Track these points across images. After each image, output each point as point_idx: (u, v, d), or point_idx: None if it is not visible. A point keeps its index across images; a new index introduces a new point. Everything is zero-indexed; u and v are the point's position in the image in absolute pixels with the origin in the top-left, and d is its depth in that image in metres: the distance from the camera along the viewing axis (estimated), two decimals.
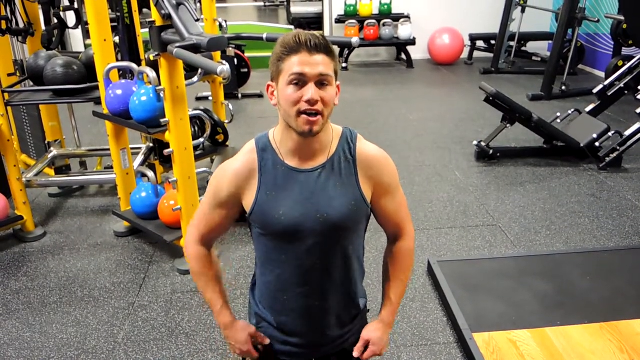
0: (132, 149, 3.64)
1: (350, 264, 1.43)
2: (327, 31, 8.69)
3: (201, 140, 3.57)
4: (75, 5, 3.87)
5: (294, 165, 1.34)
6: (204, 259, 1.49)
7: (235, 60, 6.55)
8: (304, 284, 1.41)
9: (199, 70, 3.20)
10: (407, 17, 8.25)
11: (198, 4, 4.76)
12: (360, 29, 8.19)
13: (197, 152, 3.73)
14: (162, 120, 2.90)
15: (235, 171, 1.36)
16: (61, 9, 3.70)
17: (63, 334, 2.70)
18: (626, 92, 5.01)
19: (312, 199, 1.33)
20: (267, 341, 1.51)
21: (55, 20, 3.70)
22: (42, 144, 4.31)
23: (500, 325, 2.58)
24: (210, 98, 4.39)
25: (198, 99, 6.51)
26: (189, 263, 1.53)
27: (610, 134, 4.57)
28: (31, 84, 3.75)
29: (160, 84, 2.86)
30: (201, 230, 1.46)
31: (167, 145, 3.01)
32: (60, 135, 4.29)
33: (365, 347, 1.52)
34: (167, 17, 2.67)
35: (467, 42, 8.39)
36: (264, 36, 3.35)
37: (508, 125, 4.70)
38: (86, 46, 7.14)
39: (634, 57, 5.12)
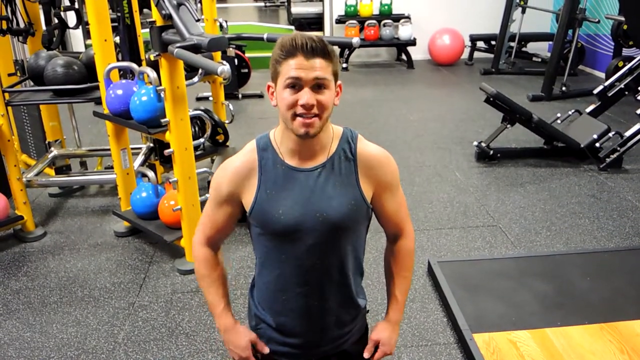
0: (132, 149, 3.64)
1: (350, 264, 1.43)
2: (327, 31, 8.70)
3: (201, 140, 3.57)
4: (76, 5, 3.87)
5: (294, 164, 1.35)
6: (209, 261, 1.49)
7: (236, 60, 6.55)
8: (304, 284, 1.41)
9: (200, 71, 3.20)
10: (408, 17, 8.26)
11: (198, 4, 4.77)
12: (361, 30, 8.19)
13: (198, 152, 3.73)
14: (162, 121, 2.91)
15: (235, 169, 1.37)
16: (62, 9, 3.70)
17: (63, 333, 2.70)
18: (626, 92, 5.01)
19: (311, 199, 1.33)
20: (267, 350, 1.50)
21: (56, 20, 3.70)
22: (42, 143, 4.32)
23: (501, 326, 2.58)
24: (211, 98, 4.39)
25: (198, 99, 6.51)
26: (195, 265, 1.53)
27: (610, 134, 4.57)
28: (32, 84, 3.76)
29: (160, 84, 2.86)
30: (206, 231, 1.47)
31: (167, 146, 3.01)
32: (60, 135, 4.29)
33: (375, 348, 1.53)
34: (168, 17, 2.67)
35: (468, 43, 8.39)
36: (265, 36, 3.35)
37: (508, 125, 4.70)
38: (87, 46, 7.14)
39: (634, 58, 5.12)
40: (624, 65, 5.39)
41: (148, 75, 2.95)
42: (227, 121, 4.27)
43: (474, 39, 8.36)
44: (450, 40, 8.20)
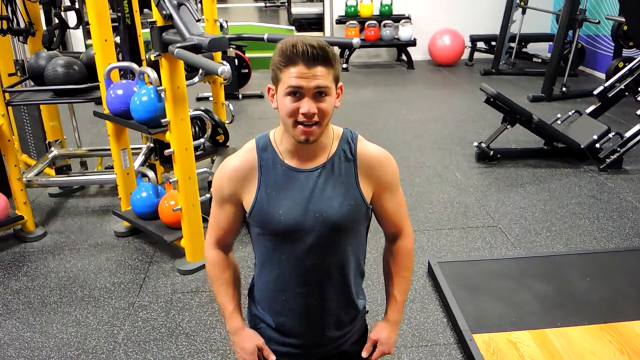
0: (132, 149, 3.64)
1: (349, 265, 1.43)
2: (327, 32, 8.70)
3: (202, 140, 3.57)
4: (76, 5, 3.87)
5: (294, 165, 1.35)
6: (219, 262, 1.49)
7: (236, 60, 6.56)
8: (303, 284, 1.41)
9: (200, 71, 3.20)
10: (408, 18, 8.26)
11: (199, 5, 4.77)
12: (361, 30, 8.20)
13: (198, 153, 3.73)
14: (162, 121, 2.91)
15: (234, 169, 1.37)
16: (62, 9, 3.70)
17: (63, 333, 2.70)
18: (627, 93, 5.01)
19: (311, 199, 1.33)
20: (273, 358, 1.49)
21: (56, 20, 3.71)
22: (42, 143, 4.32)
23: (501, 326, 2.58)
24: (211, 98, 4.39)
25: (199, 99, 6.51)
26: (206, 267, 1.53)
27: (610, 135, 4.57)
28: (32, 83, 3.76)
29: (161, 84, 2.87)
30: (214, 233, 1.47)
31: (167, 146, 3.01)
32: (60, 135, 4.29)
33: (374, 347, 1.53)
34: (168, 17, 2.67)
35: (468, 43, 8.39)
36: (265, 37, 3.35)
37: (508, 126, 4.70)
38: (87, 46, 7.14)
39: (634, 59, 5.12)
40: (624, 66, 5.39)
41: (148, 76, 2.96)
42: (227, 121, 4.27)
43: (474, 39, 8.36)
44: (450, 41, 8.20)
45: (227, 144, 4.27)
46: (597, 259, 3.17)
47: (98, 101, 3.43)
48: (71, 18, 4.09)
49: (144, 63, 3.56)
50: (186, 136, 2.97)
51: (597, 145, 4.56)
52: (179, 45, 2.50)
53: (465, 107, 6.27)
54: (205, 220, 3.20)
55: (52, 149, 4.23)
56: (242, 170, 1.36)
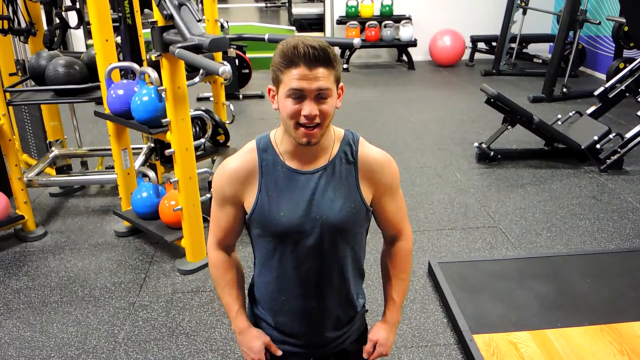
0: (133, 149, 3.64)
1: (349, 266, 1.43)
2: (328, 32, 8.71)
3: (202, 140, 3.57)
4: (77, 5, 3.87)
5: (295, 166, 1.34)
6: (221, 263, 1.49)
7: (237, 60, 6.56)
8: (303, 285, 1.41)
9: (201, 71, 3.20)
10: (409, 18, 8.26)
11: (200, 5, 4.78)
12: (362, 30, 8.20)
13: (198, 153, 3.74)
14: (163, 121, 2.91)
15: (234, 170, 1.36)
16: (63, 9, 3.70)
17: (63, 333, 2.71)
18: (627, 94, 5.01)
19: (312, 201, 1.33)
20: (280, 353, 1.50)
21: (57, 20, 3.71)
22: (43, 143, 4.32)
23: (501, 327, 2.58)
24: (212, 98, 4.40)
25: (199, 99, 6.51)
26: (209, 268, 1.53)
27: (611, 136, 4.57)
28: (33, 83, 3.76)
29: (161, 84, 2.87)
30: (216, 234, 1.46)
31: (168, 146, 3.02)
32: (61, 135, 4.29)
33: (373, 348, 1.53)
34: (169, 17, 2.67)
35: (468, 44, 8.40)
36: (266, 37, 3.35)
37: (509, 127, 4.70)
38: (88, 46, 7.15)
39: (635, 60, 5.12)
40: (624, 67, 5.40)
41: (149, 76, 2.96)
42: (227, 121, 4.28)
43: (474, 40, 8.36)
44: (451, 42, 8.21)
45: (228, 144, 4.27)
46: (597, 260, 3.17)
47: (99, 101, 3.43)
48: (72, 18, 4.10)
49: (145, 63, 3.56)
50: (187, 136, 2.97)
51: (598, 146, 4.56)
52: (179, 45, 2.50)
53: (466, 108, 6.27)
54: (205, 220, 3.20)
55: (53, 148, 4.24)
56: (243, 172, 1.36)
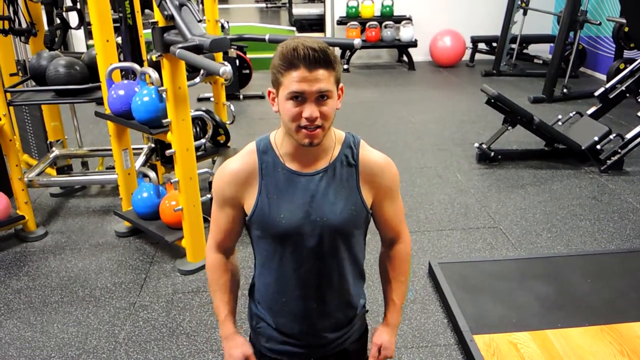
0: (133, 149, 3.65)
1: (349, 268, 1.43)
2: (328, 33, 8.71)
3: (203, 141, 3.58)
4: (78, 6, 3.87)
5: (295, 168, 1.34)
6: (217, 266, 1.49)
7: (237, 61, 6.56)
8: (303, 287, 1.41)
9: (201, 71, 3.20)
10: (409, 19, 8.27)
11: (200, 5, 4.78)
12: (362, 31, 8.19)
13: (199, 153, 3.73)
14: (164, 121, 2.91)
15: (234, 172, 1.36)
16: (64, 9, 3.70)
17: (64, 333, 2.71)
18: (628, 95, 5.02)
19: (312, 203, 1.33)
20: None
21: (58, 21, 3.71)
22: (44, 143, 4.32)
23: (501, 327, 2.58)
24: (212, 99, 4.40)
25: (200, 99, 6.51)
26: (206, 270, 1.53)
27: (611, 136, 4.57)
28: (33, 84, 3.77)
29: (162, 85, 2.87)
30: (216, 236, 1.46)
31: (169, 146, 3.02)
32: (62, 135, 4.30)
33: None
34: (170, 18, 2.68)
35: (469, 45, 8.40)
36: (267, 37, 3.35)
37: (509, 127, 4.70)
38: (88, 46, 7.15)
39: (635, 60, 5.12)
40: (625, 68, 5.40)
41: (150, 76, 2.96)
42: (228, 122, 4.28)
43: (475, 40, 8.36)
44: (451, 42, 8.21)
45: (228, 144, 4.27)
46: (597, 260, 3.17)
47: (99, 101, 3.44)
48: (73, 18, 4.10)
49: (146, 63, 3.56)
50: (187, 136, 2.97)
51: (598, 147, 4.56)
52: (180, 45, 2.50)
53: (466, 108, 6.27)
54: (206, 220, 3.20)
55: (54, 149, 4.24)
56: (243, 174, 1.36)
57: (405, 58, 8.48)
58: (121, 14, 3.42)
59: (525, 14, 7.61)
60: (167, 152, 2.97)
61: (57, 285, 3.10)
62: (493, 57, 7.93)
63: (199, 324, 2.75)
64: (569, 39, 6.65)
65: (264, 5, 16.00)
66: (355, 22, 8.19)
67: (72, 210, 4.00)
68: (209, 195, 3.18)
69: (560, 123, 4.95)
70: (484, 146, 4.68)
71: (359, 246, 1.45)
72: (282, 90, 1.25)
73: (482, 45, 8.43)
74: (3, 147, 3.40)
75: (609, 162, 4.48)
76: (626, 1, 5.63)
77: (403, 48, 8.39)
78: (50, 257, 3.39)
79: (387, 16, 8.34)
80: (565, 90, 6.55)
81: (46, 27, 3.82)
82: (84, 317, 2.82)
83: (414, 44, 8.17)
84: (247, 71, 6.90)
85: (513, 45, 7.87)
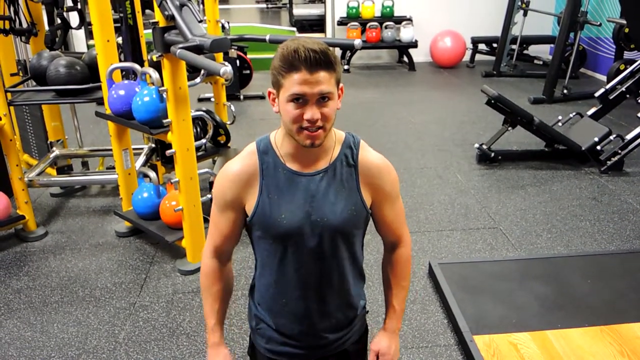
0: (134, 149, 3.65)
1: (349, 268, 1.43)
2: (329, 33, 8.71)
3: (203, 141, 3.58)
4: (79, 6, 3.88)
5: (296, 169, 1.34)
6: (212, 274, 1.48)
7: (238, 61, 6.56)
8: (303, 287, 1.41)
9: (202, 72, 3.21)
10: (409, 19, 8.27)
11: (201, 6, 4.78)
12: (363, 31, 8.20)
13: (199, 153, 3.74)
14: (164, 121, 2.91)
15: (236, 173, 1.36)
16: (64, 9, 3.71)
17: (64, 333, 2.71)
18: (628, 95, 5.02)
19: (313, 203, 1.33)
20: None
21: (59, 21, 3.72)
22: (44, 143, 4.33)
23: (501, 328, 2.58)
24: (213, 99, 4.40)
25: (200, 100, 6.52)
26: (200, 275, 1.53)
27: (611, 137, 4.57)
28: (34, 84, 3.77)
29: (162, 85, 2.87)
30: (214, 240, 1.45)
31: (169, 146, 3.02)
32: (62, 135, 4.30)
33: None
34: (171, 18, 2.68)
35: (469, 45, 8.40)
36: (267, 38, 3.35)
37: (509, 128, 4.70)
38: (89, 46, 7.15)
39: (635, 61, 5.13)
40: (625, 68, 5.40)
41: (150, 76, 2.96)
42: (228, 122, 4.28)
43: (475, 41, 8.37)
44: (451, 43, 8.21)
45: (229, 144, 4.27)
46: (597, 261, 3.17)
47: (100, 101, 3.44)
48: (73, 18, 4.10)
49: (146, 64, 3.57)
50: (188, 137, 2.97)
51: (598, 148, 4.56)
52: (181, 46, 2.51)
53: (467, 109, 6.28)
54: (206, 220, 3.21)
55: (54, 148, 4.24)
56: (244, 175, 1.35)
57: (405, 59, 8.49)
58: (122, 14, 3.42)
59: (525, 14, 7.62)
60: (168, 152, 2.98)
61: (57, 285, 3.10)
62: (493, 58, 7.93)
63: (199, 324, 2.75)
64: (569, 39, 6.66)
65: (264, 5, 15.99)
66: (356, 23, 8.20)
67: (72, 210, 4.00)
68: (209, 196, 3.18)
69: (560, 124, 4.96)
70: (484, 147, 4.68)
71: (359, 246, 1.45)
72: (283, 92, 1.25)
73: (482, 46, 8.43)
74: (3, 146, 3.40)
75: (609, 162, 4.48)
76: (626, 2, 5.63)
77: (403, 49, 8.40)
78: (50, 257, 3.39)
79: (388, 17, 8.35)
80: (565, 91, 6.55)
81: (47, 27, 3.82)
82: (84, 317, 2.82)
83: (414, 44, 8.17)
84: (248, 71, 6.90)
85: (513, 46, 7.88)
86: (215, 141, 4.20)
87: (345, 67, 8.19)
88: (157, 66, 2.96)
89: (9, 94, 3.48)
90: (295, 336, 1.47)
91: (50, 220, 3.84)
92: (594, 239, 3.52)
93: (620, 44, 6.62)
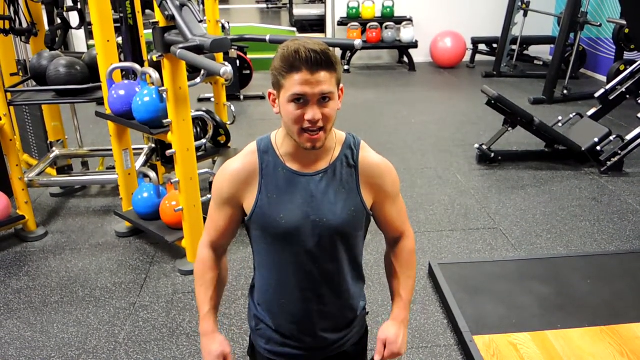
0: (134, 149, 3.65)
1: (348, 269, 1.43)
2: (329, 33, 8.71)
3: (203, 141, 3.58)
4: (79, 6, 3.88)
5: (296, 168, 1.34)
6: (206, 262, 1.49)
7: (238, 61, 6.56)
8: (303, 288, 1.41)
9: (202, 72, 3.21)
10: (410, 20, 8.27)
11: (201, 6, 4.78)
12: (363, 32, 8.20)
13: (199, 153, 3.74)
14: (164, 121, 2.91)
15: (235, 172, 1.37)
16: (65, 9, 3.71)
17: (64, 333, 2.71)
18: (628, 96, 5.02)
19: (312, 204, 1.33)
20: None
21: (59, 21, 3.72)
22: (44, 143, 4.33)
23: (501, 328, 2.58)
24: (213, 99, 4.40)
25: (200, 100, 6.52)
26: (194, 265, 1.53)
27: (611, 138, 4.57)
28: (34, 84, 3.77)
29: (163, 85, 2.87)
30: (211, 234, 1.47)
31: (169, 146, 3.02)
32: (62, 135, 4.30)
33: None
34: (171, 18, 2.68)
35: (469, 46, 8.40)
36: (267, 38, 3.35)
37: (510, 128, 4.70)
38: (89, 47, 7.15)
39: (635, 62, 5.13)
40: (625, 69, 5.40)
41: (150, 76, 2.96)
42: (228, 122, 4.28)
43: (475, 41, 8.37)
44: (452, 43, 8.21)
45: (229, 144, 4.27)
46: (597, 261, 3.17)
47: (100, 101, 3.44)
48: (73, 18, 4.10)
49: (146, 64, 3.57)
50: (188, 137, 2.97)
51: (598, 148, 4.56)
52: (181, 46, 2.51)
53: (467, 110, 6.28)
54: (206, 220, 3.20)
55: (54, 149, 4.24)
56: (244, 173, 1.36)
57: (405, 59, 8.48)
58: (122, 14, 3.42)
59: (525, 15, 7.62)
60: (168, 152, 2.98)
61: (57, 285, 3.10)
62: (493, 59, 7.93)
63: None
64: (570, 40, 6.66)
65: (264, 5, 16.00)
66: (356, 23, 8.20)
67: (72, 210, 4.00)
68: (209, 196, 3.17)
69: (560, 124, 4.96)
70: (484, 147, 4.68)
71: (359, 248, 1.45)
72: (283, 93, 1.25)
73: (482, 47, 8.43)
74: (3, 147, 3.40)
75: (609, 163, 4.48)
76: (626, 3, 5.63)
77: (404, 49, 8.39)
78: (50, 257, 3.39)
79: (388, 17, 8.34)
80: (565, 92, 6.55)
81: (47, 27, 3.82)
82: (84, 317, 2.82)
83: (414, 45, 8.17)
84: (248, 72, 6.90)
85: (513, 47, 7.88)
86: (215, 141, 4.20)
87: (346, 67, 8.19)
88: (157, 66, 2.96)
89: (9, 94, 3.48)
90: (295, 337, 1.47)
91: (50, 220, 3.84)
92: (594, 239, 3.52)
93: (621, 44, 6.63)
